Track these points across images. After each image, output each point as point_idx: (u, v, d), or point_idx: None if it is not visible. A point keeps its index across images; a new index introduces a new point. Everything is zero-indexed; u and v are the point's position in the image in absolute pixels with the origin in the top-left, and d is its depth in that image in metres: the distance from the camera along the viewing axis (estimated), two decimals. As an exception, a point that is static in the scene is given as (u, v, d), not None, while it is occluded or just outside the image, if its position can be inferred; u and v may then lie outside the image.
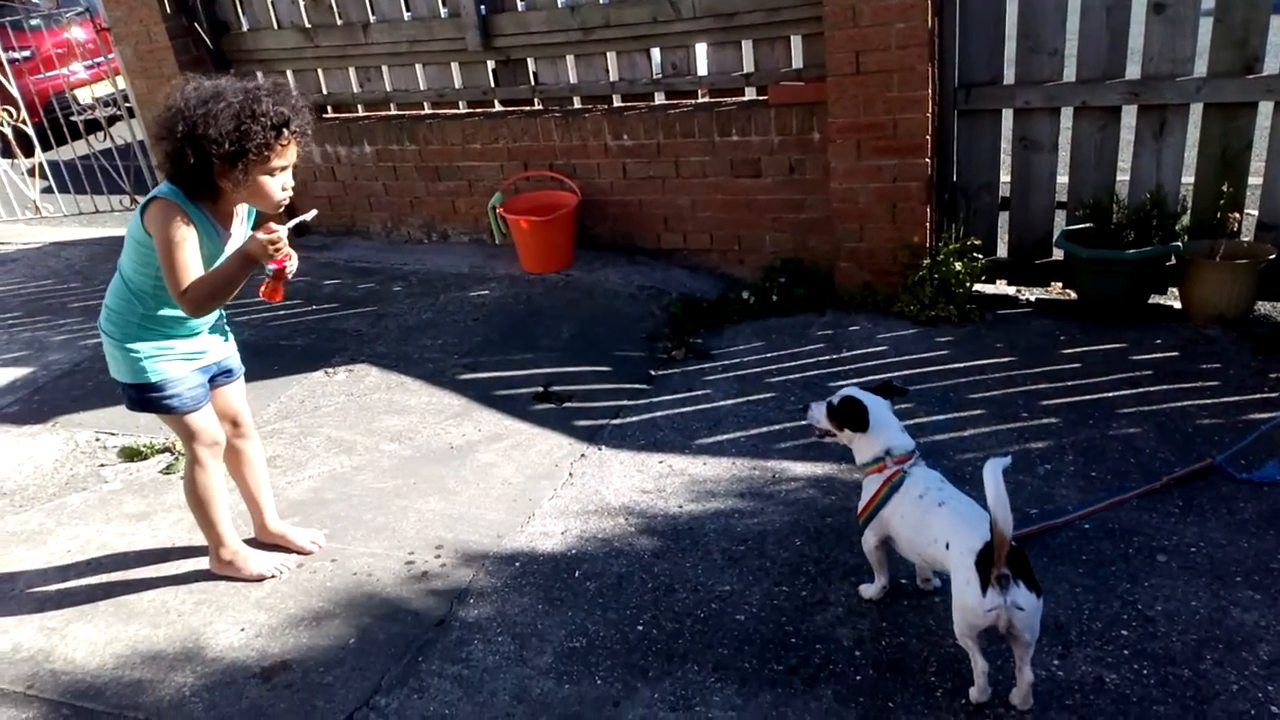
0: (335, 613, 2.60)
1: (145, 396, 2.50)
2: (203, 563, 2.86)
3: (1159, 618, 2.29)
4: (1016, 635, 1.94)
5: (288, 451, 3.48)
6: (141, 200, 2.33)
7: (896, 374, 3.58)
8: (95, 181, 7.15)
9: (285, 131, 2.24)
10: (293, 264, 2.32)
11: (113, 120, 7.45)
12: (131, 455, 3.51)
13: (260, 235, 2.23)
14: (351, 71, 5.41)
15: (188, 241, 2.26)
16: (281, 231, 2.25)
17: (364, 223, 5.76)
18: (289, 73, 5.58)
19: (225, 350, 2.66)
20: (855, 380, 2.42)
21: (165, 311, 2.44)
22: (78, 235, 6.55)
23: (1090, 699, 2.08)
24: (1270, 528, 2.57)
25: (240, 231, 2.46)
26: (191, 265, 2.27)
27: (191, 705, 2.32)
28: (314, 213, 2.45)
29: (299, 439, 3.56)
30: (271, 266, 2.27)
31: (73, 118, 7.32)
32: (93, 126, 7.68)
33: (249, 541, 2.86)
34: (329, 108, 5.67)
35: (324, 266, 5.38)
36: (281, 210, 2.37)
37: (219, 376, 2.65)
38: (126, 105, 6.51)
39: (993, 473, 1.87)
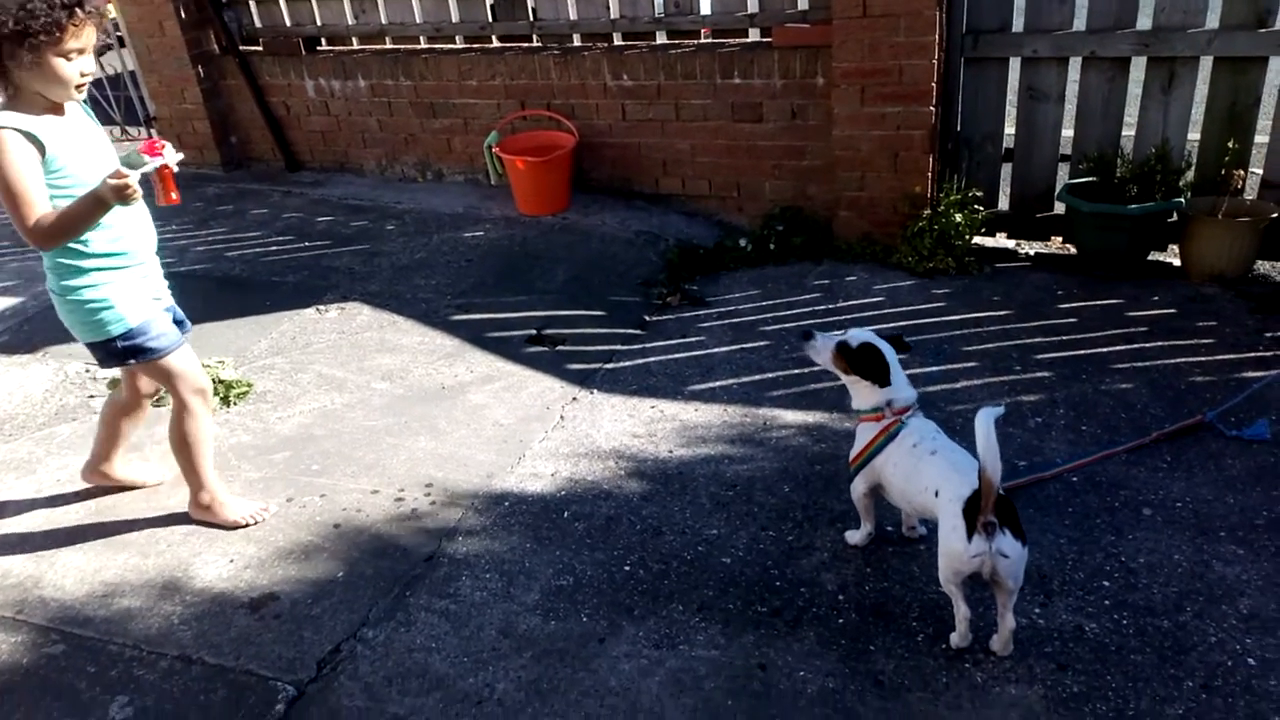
0: (324, 547, 2.61)
1: (125, 346, 2.42)
2: (192, 495, 2.87)
3: (1141, 570, 2.31)
4: (1000, 582, 1.96)
5: (279, 387, 3.47)
6: None
7: (892, 325, 3.56)
8: (85, 111, 7.02)
9: (79, 11, 2.12)
10: (172, 156, 2.26)
11: (103, 49, 7.29)
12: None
13: (112, 180, 2.16)
14: (346, 3, 5.28)
15: (20, 168, 2.14)
16: (133, 178, 2.18)
17: (357, 159, 5.67)
18: (281, 2, 5.45)
19: (169, 295, 2.61)
20: (866, 327, 2.36)
21: (97, 239, 2.32)
22: (68, 166, 6.45)
23: (1069, 647, 2.10)
24: (1257, 484, 2.58)
25: (84, 123, 2.35)
26: (32, 194, 2.16)
27: (180, 633, 2.34)
28: (180, 155, 2.34)
29: (290, 375, 3.55)
30: (148, 168, 2.23)
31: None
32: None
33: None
34: (322, 40, 5.56)
35: (316, 203, 5.32)
36: (83, 98, 2.26)
37: (177, 323, 2.59)
38: (117, 34, 6.36)
39: (984, 422, 1.86)
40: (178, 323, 2.60)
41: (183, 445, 2.63)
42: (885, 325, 3.56)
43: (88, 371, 3.63)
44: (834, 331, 2.35)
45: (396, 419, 3.21)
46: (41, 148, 2.20)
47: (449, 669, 2.17)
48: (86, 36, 2.18)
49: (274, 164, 5.93)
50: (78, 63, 2.19)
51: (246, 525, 2.71)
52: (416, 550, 2.57)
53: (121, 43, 6.25)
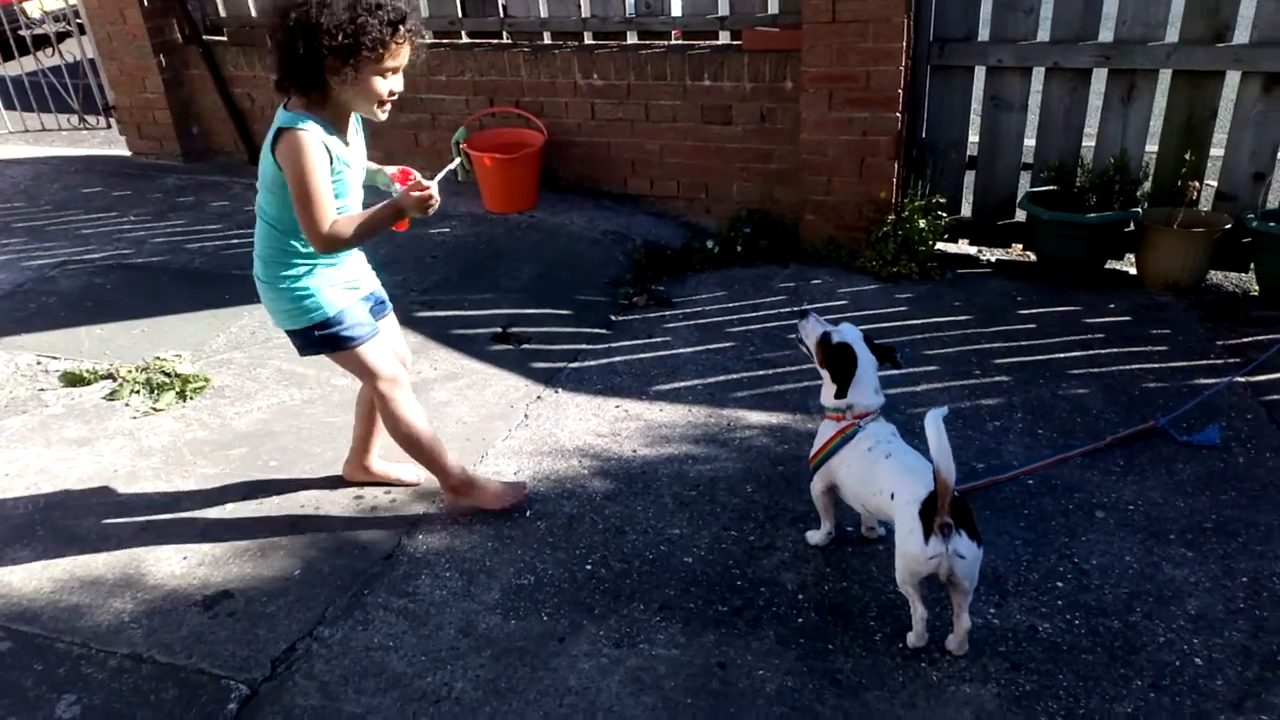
0: (281, 544, 2.57)
1: (321, 335, 2.40)
2: (146, 487, 2.81)
3: (1093, 571, 2.35)
4: (956, 583, 1.98)
5: (236, 383, 3.41)
6: (267, 145, 2.21)
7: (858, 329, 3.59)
8: (43, 99, 6.87)
9: (401, 29, 2.13)
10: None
11: (63, 36, 7.15)
12: (74, 380, 3.42)
13: (415, 193, 2.23)
14: (314, -6, 5.21)
15: (319, 173, 2.17)
16: (434, 187, 2.25)
17: (323, 154, 5.60)
18: (247, -8, 5.38)
19: (373, 279, 2.59)
20: (864, 327, 2.37)
21: (303, 250, 2.35)
22: (24, 154, 6.30)
23: (1023, 646, 2.13)
24: (1206, 489, 2.64)
25: (357, 142, 2.37)
26: (327, 199, 2.20)
27: (130, 631, 2.29)
28: (458, 161, 2.38)
29: (249, 370, 3.49)
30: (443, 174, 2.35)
31: (21, 32, 6.99)
32: (42, 42, 7.35)
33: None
34: (289, 32, 5.48)
35: (281, 197, 5.24)
36: (385, 115, 2.27)
37: (375, 308, 2.57)
38: (77, 21, 6.24)
39: (934, 423, 1.88)
40: (379, 303, 2.59)
41: (408, 440, 2.55)
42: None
43: (39, 364, 3.56)
44: (829, 319, 2.36)
45: (358, 415, 3.17)
46: (331, 157, 2.22)
47: (407, 668, 2.15)
48: (402, 55, 2.19)
49: (237, 156, 5.84)
50: (390, 81, 2.20)
51: (512, 506, 2.63)
52: (375, 548, 2.55)
53: (82, 29, 6.13)
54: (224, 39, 5.56)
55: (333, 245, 2.25)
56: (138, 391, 3.34)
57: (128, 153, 6.06)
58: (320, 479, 2.84)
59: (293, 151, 2.15)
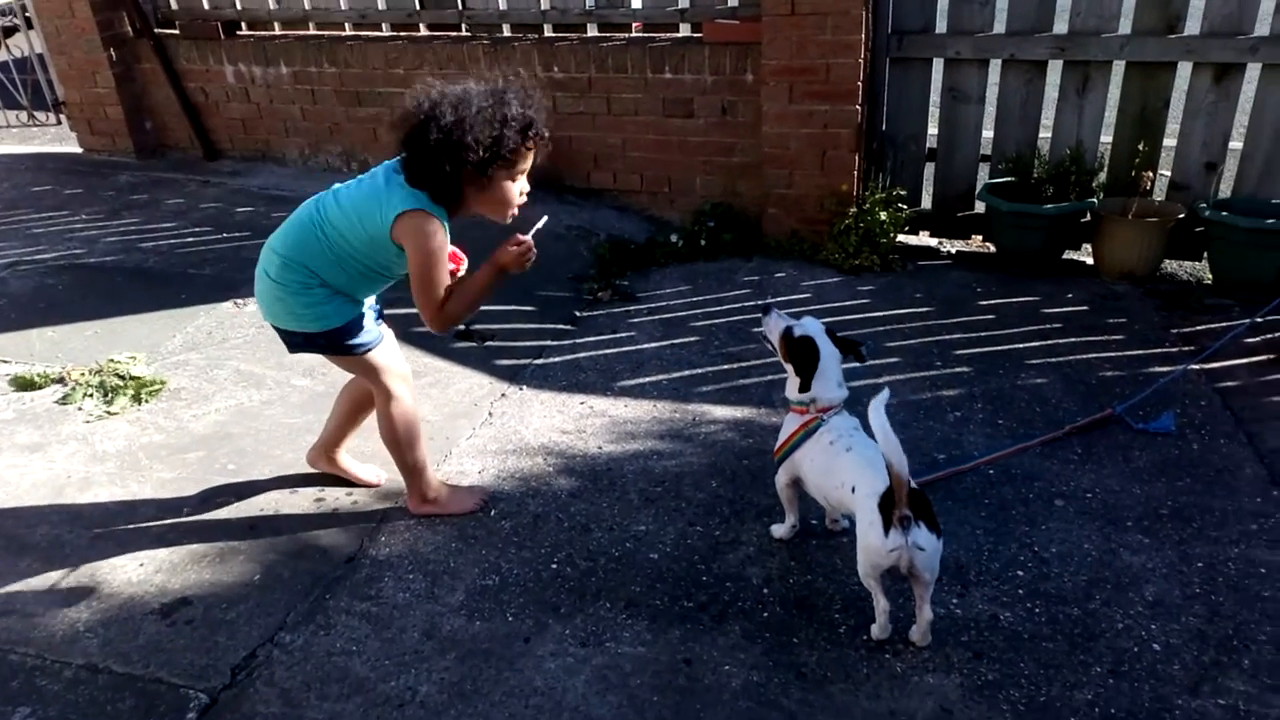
0: (240, 549, 2.53)
1: (325, 340, 2.38)
2: (101, 494, 2.75)
3: (1053, 559, 2.38)
4: (917, 575, 1.99)
5: (193, 384, 3.35)
6: (391, 207, 2.20)
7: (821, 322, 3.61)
8: (-12, 94, 6.70)
9: (529, 134, 2.20)
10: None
11: (9, 31, 6.97)
12: (24, 385, 3.34)
13: (512, 248, 2.29)
14: (268, -14, 5.13)
15: (443, 257, 2.25)
16: (530, 240, 2.31)
17: (280, 148, 5.52)
18: (200, -15, 5.27)
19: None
20: (826, 319, 2.38)
21: (360, 284, 2.36)
22: (-31, 151, 6.14)
23: (985, 635, 2.16)
24: (1161, 475, 2.68)
25: None
26: (444, 281, 2.27)
27: (86, 640, 2.24)
28: (545, 219, 2.48)
29: (205, 371, 3.43)
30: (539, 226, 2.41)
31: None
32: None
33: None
34: (243, 24, 5.38)
35: (236, 193, 5.16)
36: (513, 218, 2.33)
37: (378, 318, 2.54)
38: (25, 15, 6.08)
39: (876, 412, 1.89)
40: (379, 314, 2.55)
41: (400, 441, 2.52)
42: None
43: (-12, 368, 3.46)
44: (791, 314, 2.37)
45: (318, 416, 3.11)
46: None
47: (370, 672, 2.13)
48: (530, 158, 2.27)
49: (191, 152, 5.73)
50: (519, 182, 2.28)
51: (476, 511, 2.63)
52: (337, 551, 2.51)
53: (29, 24, 5.98)
54: (176, 32, 5.44)
55: (447, 324, 2.33)
56: (91, 395, 3.26)
57: (79, 150, 5.92)
58: (280, 481, 2.80)
59: (424, 236, 2.21)
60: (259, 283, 2.38)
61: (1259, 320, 3.30)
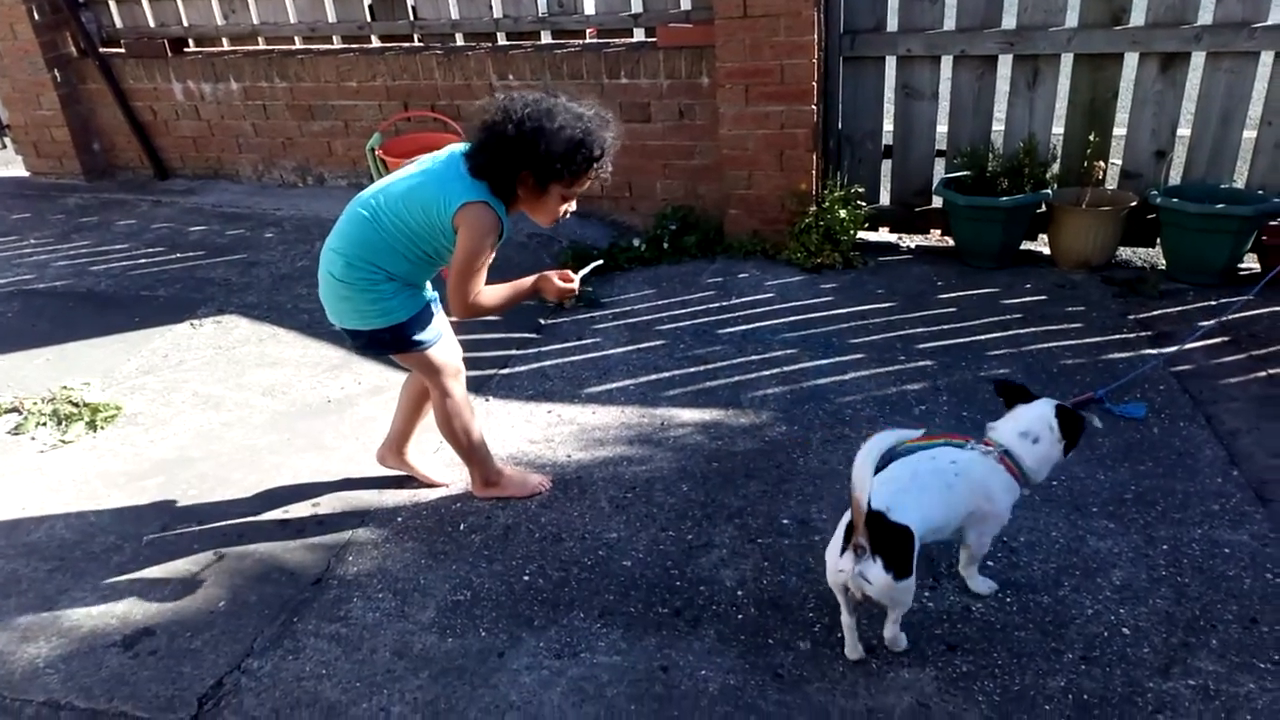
0: (203, 576, 2.47)
1: (392, 336, 2.41)
2: (58, 525, 2.68)
3: (1022, 548, 2.40)
4: (872, 601, 1.96)
5: (150, 408, 3.28)
6: (456, 195, 2.25)
7: (783, 320, 3.62)
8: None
9: (595, 165, 2.26)
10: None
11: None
12: (-26, 416, 3.25)
13: (560, 282, 2.42)
14: (214, 2, 5.05)
15: (489, 254, 2.31)
16: (577, 281, 2.43)
17: (232, 165, 5.43)
18: (144, 2, 5.17)
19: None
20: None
21: (422, 269, 2.41)
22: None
23: (958, 627, 2.16)
24: (1125, 461, 2.72)
25: None
26: (484, 275, 2.34)
27: (46, 676, 2.17)
28: (599, 262, 2.68)
29: (162, 395, 3.36)
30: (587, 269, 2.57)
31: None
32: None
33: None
34: (190, 41, 5.30)
35: (189, 212, 5.07)
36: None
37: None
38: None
39: (865, 449, 1.82)
40: (434, 301, 2.56)
41: (458, 432, 2.59)
42: (776, 321, 3.62)
43: (-65, 400, 3.36)
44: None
45: (279, 436, 3.08)
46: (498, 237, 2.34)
47: (341, 695, 2.09)
48: (587, 183, 2.32)
49: (142, 172, 5.62)
50: (569, 202, 2.34)
51: (539, 494, 2.72)
52: (304, 573, 2.47)
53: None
54: (121, 51, 5.34)
55: (472, 313, 2.37)
56: (44, 424, 3.18)
57: (25, 173, 5.79)
58: (242, 504, 2.74)
59: (480, 226, 2.25)
60: (323, 285, 2.42)
61: (1252, 297, 3.28)
